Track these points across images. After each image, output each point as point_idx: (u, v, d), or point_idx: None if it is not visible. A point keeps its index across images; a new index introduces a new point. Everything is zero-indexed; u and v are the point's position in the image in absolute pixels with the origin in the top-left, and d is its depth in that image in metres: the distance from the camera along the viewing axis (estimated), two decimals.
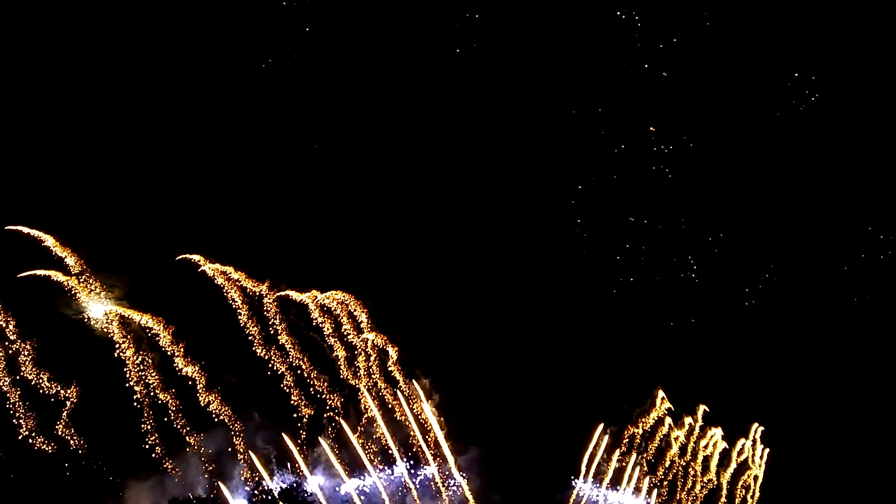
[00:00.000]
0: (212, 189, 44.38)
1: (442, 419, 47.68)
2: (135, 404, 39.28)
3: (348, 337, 45.31)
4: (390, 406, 46.14)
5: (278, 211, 46.80)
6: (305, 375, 43.63)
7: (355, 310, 45.48)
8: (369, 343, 45.57)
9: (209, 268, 41.19)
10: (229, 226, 44.41)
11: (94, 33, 41.07)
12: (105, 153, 41.63)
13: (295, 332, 43.43)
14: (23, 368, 36.66)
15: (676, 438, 58.91)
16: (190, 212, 43.20)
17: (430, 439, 47.25)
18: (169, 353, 40.00)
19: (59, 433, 37.15)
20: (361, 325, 45.67)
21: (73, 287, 38.01)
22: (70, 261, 38.08)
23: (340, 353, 44.87)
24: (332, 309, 45.03)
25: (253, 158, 46.62)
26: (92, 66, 41.37)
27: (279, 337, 43.05)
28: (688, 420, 60.18)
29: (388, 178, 51.56)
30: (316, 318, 44.34)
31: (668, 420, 58.72)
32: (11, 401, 36.22)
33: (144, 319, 39.37)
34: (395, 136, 51.86)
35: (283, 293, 43.41)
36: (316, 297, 44.21)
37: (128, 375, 39.04)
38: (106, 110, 41.68)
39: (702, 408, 61.29)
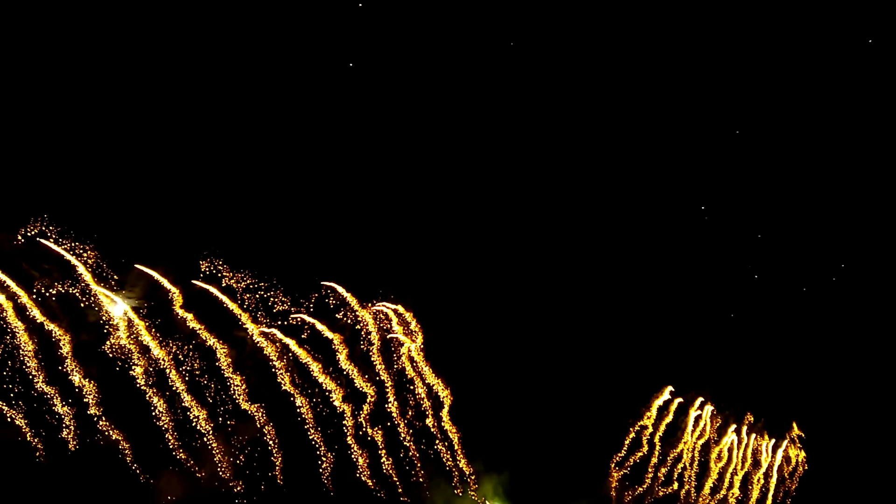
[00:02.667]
0: (232, 189, 42.80)
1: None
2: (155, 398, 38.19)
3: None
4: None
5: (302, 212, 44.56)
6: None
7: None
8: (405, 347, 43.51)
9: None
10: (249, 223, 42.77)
11: (118, 40, 39.40)
12: (130, 149, 40.13)
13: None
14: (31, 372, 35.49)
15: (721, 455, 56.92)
16: (214, 211, 41.84)
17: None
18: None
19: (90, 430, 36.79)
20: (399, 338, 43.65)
21: (92, 286, 36.68)
22: (90, 259, 36.71)
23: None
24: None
25: (267, 159, 44.66)
26: (126, 74, 40.03)
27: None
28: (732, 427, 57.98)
29: (408, 178, 49.47)
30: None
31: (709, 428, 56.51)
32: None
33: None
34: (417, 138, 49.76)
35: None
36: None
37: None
38: (132, 114, 40.18)
39: (749, 417, 59.05)
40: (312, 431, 41.06)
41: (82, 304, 36.30)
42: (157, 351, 37.68)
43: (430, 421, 44.14)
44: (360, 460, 42.03)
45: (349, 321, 42.08)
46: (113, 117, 38.91)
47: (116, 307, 37.48)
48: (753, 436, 59.31)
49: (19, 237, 34.58)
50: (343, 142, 46.13)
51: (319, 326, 41.14)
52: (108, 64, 38.23)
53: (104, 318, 36.84)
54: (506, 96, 51.16)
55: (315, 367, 40.90)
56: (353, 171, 46.15)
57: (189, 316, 38.36)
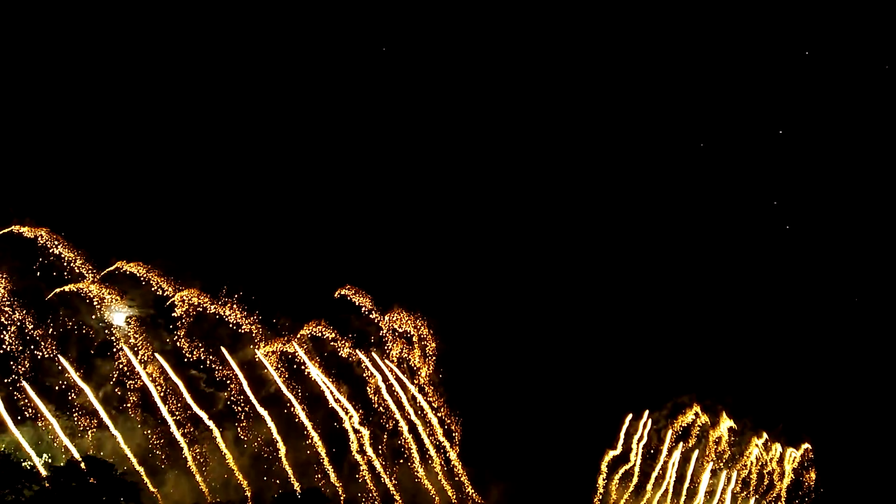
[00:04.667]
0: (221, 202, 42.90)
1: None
2: None
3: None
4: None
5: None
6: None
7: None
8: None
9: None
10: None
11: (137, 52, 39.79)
12: (135, 164, 40.45)
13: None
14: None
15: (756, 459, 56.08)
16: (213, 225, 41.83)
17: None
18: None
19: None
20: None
21: (95, 295, 36.01)
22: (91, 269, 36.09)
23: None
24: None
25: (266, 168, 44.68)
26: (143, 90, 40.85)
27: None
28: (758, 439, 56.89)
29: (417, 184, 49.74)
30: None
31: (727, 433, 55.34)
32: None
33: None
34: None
35: None
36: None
37: None
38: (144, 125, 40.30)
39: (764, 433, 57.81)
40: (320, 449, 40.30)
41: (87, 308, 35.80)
42: (158, 355, 37.11)
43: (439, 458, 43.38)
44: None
45: (368, 342, 41.58)
46: (131, 131, 39.58)
47: (117, 315, 36.74)
48: (774, 447, 58.24)
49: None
50: (360, 158, 45.05)
51: (341, 350, 40.41)
52: (144, 82, 39.29)
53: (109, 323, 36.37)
54: (521, 110, 51.98)
55: (327, 387, 40.14)
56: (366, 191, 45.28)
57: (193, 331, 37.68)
